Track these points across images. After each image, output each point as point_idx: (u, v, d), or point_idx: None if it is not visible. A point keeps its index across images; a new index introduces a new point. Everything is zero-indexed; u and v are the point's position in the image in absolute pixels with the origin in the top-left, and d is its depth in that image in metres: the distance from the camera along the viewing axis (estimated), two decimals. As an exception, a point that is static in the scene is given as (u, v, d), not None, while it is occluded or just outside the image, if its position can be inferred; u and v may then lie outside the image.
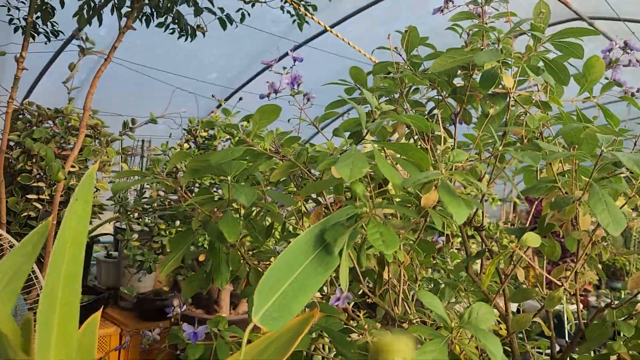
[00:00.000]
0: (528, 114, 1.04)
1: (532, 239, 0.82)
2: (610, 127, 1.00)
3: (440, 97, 1.13)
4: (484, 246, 1.16)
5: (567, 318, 2.48)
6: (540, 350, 1.55)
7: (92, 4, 2.53)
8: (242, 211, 1.08)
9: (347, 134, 1.08)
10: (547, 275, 0.89)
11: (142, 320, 2.98)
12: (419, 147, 1.06)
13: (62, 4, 2.54)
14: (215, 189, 2.43)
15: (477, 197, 1.25)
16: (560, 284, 0.88)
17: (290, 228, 1.17)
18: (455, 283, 1.36)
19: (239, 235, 0.90)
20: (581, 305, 1.09)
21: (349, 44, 2.91)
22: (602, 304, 1.20)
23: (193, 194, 1.23)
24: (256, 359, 0.72)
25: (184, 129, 3.21)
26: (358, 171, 0.74)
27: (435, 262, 1.54)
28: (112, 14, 2.51)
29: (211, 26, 2.93)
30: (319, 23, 2.73)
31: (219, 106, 5.06)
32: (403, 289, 1.06)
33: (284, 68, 1.10)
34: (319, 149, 0.99)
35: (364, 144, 1.04)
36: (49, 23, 2.75)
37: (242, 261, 1.08)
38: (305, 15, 2.75)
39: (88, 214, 0.78)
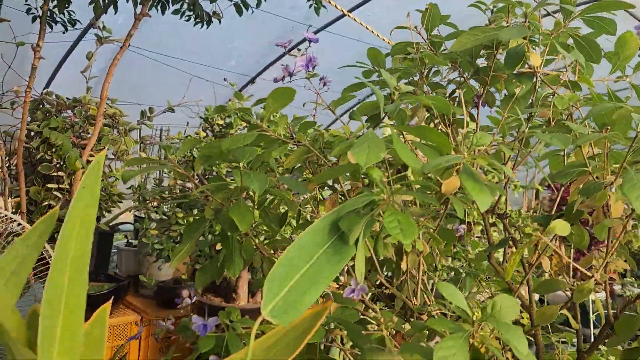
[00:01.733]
0: (556, 94, 0.99)
1: (561, 226, 0.77)
2: (644, 108, 0.93)
3: (462, 79, 1.08)
4: (506, 234, 1.11)
5: (593, 308, 2.41)
6: (566, 341, 1.49)
7: (108, -9, 2.51)
8: (256, 199, 1.04)
9: (364, 118, 1.04)
10: (576, 265, 0.84)
11: (162, 307, 2.99)
12: (439, 131, 1.01)
13: (78, -9, 2.52)
14: (231, 178, 2.40)
15: (500, 183, 1.20)
16: (590, 274, 0.82)
17: (308, 216, 1.13)
18: (477, 273, 1.31)
19: (251, 224, 0.87)
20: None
21: (367, 28, 2.85)
22: (628, 293, 1.14)
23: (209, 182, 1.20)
24: (265, 357, 0.69)
25: (201, 117, 3.19)
26: (375, 156, 0.70)
27: (455, 250, 1.49)
28: (127, 1, 2.48)
29: (229, 12, 2.89)
30: (336, 7, 2.67)
31: (241, 89, 5.04)
32: (422, 279, 1.02)
33: (299, 50, 1.05)
34: (335, 134, 0.95)
35: (383, 129, 1.00)
36: (65, 12, 2.74)
37: (256, 250, 1.05)
38: (323, 0, 2.69)
39: (96, 201, 0.76)
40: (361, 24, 2.82)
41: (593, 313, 2.35)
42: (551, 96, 1.03)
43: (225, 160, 0.96)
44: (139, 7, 2.50)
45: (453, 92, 1.14)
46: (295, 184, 0.93)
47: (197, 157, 0.95)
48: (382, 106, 0.79)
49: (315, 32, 3.49)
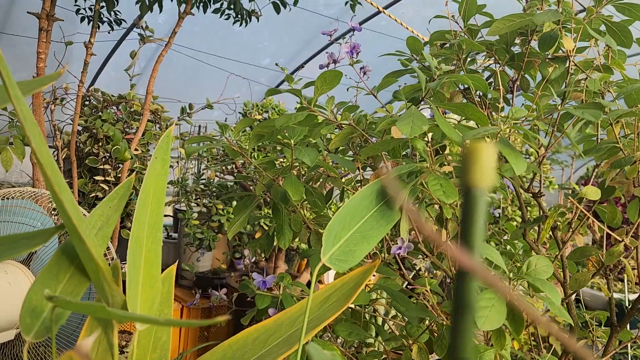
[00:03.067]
0: (589, 78, 1.04)
1: (592, 191, 0.83)
2: (675, 89, 0.98)
3: (497, 65, 1.14)
4: (541, 212, 1.16)
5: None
6: (602, 340, 1.52)
7: (153, -9, 2.63)
8: (306, 175, 1.12)
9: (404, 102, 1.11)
10: (608, 231, 0.89)
11: (202, 297, 3.11)
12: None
13: (126, -8, 2.65)
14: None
15: (535, 161, 1.25)
16: (620, 239, 0.88)
17: (349, 194, 1.21)
18: (512, 253, 1.37)
19: (302, 195, 0.95)
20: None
21: (401, 24, 2.91)
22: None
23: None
24: (320, 308, 0.77)
25: (240, 112, 3.30)
26: (418, 128, 0.77)
27: (491, 232, 1.54)
28: (172, 0, 2.60)
29: (265, 11, 2.99)
30: (372, 4, 2.74)
31: (277, 86, 5.15)
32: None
33: (343, 38, 1.13)
34: (378, 113, 1.02)
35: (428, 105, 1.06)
36: (112, 12, 2.89)
37: (303, 224, 1.13)
38: (358, -4, 2.76)
39: (167, 171, 0.85)
40: (396, 20, 2.89)
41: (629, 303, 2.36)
42: (583, 82, 1.08)
43: (275, 141, 1.04)
44: (183, 5, 2.62)
45: (488, 78, 1.20)
46: (344, 161, 1.01)
47: (251, 135, 1.04)
48: (424, 85, 0.86)
49: (348, 31, 3.56)
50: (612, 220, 1.10)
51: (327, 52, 1.17)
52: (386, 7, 3.50)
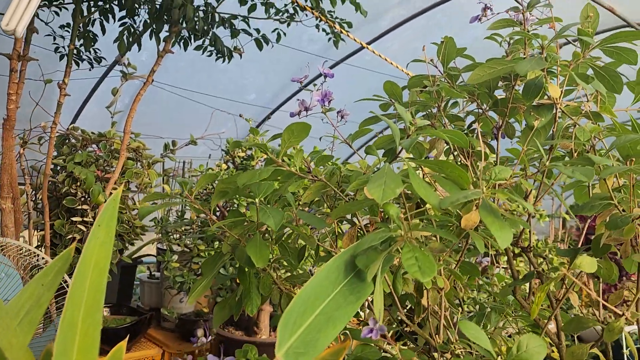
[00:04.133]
0: (577, 125, 0.97)
1: (587, 263, 0.74)
2: (670, 138, 0.91)
3: (480, 110, 1.07)
4: (531, 268, 1.08)
5: (626, 342, 2.31)
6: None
7: (132, 30, 2.58)
8: (274, 235, 1.04)
9: (381, 152, 1.03)
10: (605, 303, 0.81)
11: (184, 341, 2.97)
12: (458, 164, 1.00)
13: (103, 30, 2.60)
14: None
15: (523, 215, 1.17)
16: (620, 312, 0.79)
17: (324, 250, 1.12)
18: (502, 307, 1.27)
19: (267, 260, 0.86)
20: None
21: (386, 59, 2.87)
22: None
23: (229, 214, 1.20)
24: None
25: (223, 150, 3.22)
26: (391, 192, 0.69)
27: (480, 283, 1.45)
28: (150, 39, 2.55)
29: (249, 47, 2.95)
30: (355, 40, 2.70)
31: (258, 125, 5.10)
32: (444, 315, 0.99)
33: (314, 85, 1.06)
34: (351, 168, 0.94)
35: (402, 161, 0.99)
36: (92, 50, 2.83)
37: (274, 285, 1.04)
38: (341, 32, 2.73)
39: (111, 239, 0.76)
40: (380, 55, 2.85)
41: (626, 348, 2.26)
42: (572, 127, 1.01)
43: (243, 195, 0.95)
44: (162, 44, 2.57)
45: (472, 123, 1.13)
46: (312, 219, 0.92)
47: (214, 192, 0.95)
48: (398, 141, 0.78)
49: (334, 65, 3.54)
50: (608, 277, 1.02)
51: (298, 99, 1.10)
52: (371, 42, 3.47)
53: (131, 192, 3.25)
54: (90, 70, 3.03)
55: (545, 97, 0.97)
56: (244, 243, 0.95)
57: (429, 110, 1.13)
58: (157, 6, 2.36)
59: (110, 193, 2.76)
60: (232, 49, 2.87)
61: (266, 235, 1.09)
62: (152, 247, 3.74)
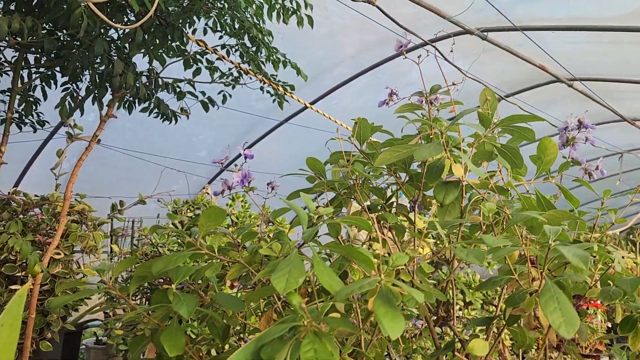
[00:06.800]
0: (484, 200, 1.02)
1: (480, 347, 0.78)
2: (567, 212, 0.97)
3: (396, 186, 1.12)
4: (454, 337, 1.11)
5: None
6: None
7: (75, 95, 2.58)
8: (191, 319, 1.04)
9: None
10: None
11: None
12: (366, 245, 1.03)
13: (45, 97, 2.59)
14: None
15: (443, 279, 1.22)
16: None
17: (250, 328, 1.12)
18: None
19: (182, 349, 0.86)
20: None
21: (330, 118, 2.95)
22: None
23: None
24: None
25: (171, 211, 3.20)
26: (294, 281, 0.71)
27: (415, 347, 1.47)
28: (93, 104, 2.55)
29: (199, 105, 2.99)
30: (298, 101, 2.78)
31: (210, 182, 5.10)
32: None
33: (236, 165, 1.09)
34: (265, 253, 0.96)
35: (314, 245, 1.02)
36: (34, 113, 2.81)
37: (198, 367, 1.03)
38: (285, 94, 2.80)
39: (15, 339, 0.75)
40: (324, 115, 2.93)
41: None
42: (482, 200, 1.07)
43: (162, 279, 0.96)
44: (105, 109, 2.57)
45: (391, 196, 1.18)
46: (230, 301, 0.93)
47: (133, 278, 0.96)
48: (305, 228, 0.81)
49: (280, 124, 3.61)
50: (523, 344, 1.06)
51: (221, 179, 1.13)
52: (317, 100, 3.57)
53: (75, 256, 3.17)
54: (34, 132, 2.99)
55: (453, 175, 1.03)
56: (162, 329, 0.94)
57: (350, 183, 1.18)
58: (99, 73, 2.37)
59: (52, 258, 2.69)
60: (180, 110, 2.90)
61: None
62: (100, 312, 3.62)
